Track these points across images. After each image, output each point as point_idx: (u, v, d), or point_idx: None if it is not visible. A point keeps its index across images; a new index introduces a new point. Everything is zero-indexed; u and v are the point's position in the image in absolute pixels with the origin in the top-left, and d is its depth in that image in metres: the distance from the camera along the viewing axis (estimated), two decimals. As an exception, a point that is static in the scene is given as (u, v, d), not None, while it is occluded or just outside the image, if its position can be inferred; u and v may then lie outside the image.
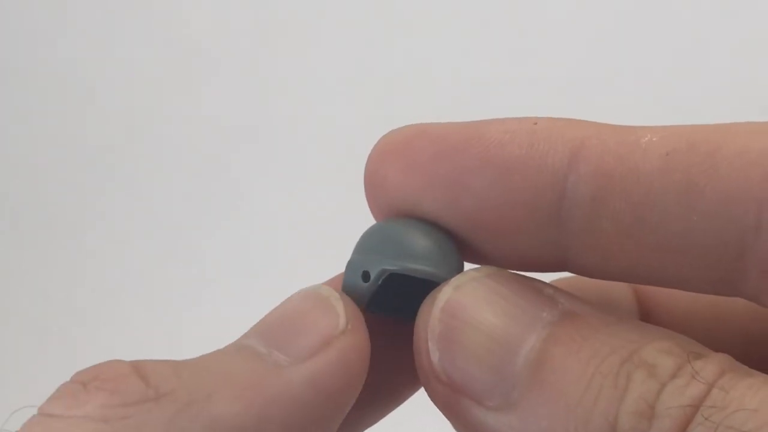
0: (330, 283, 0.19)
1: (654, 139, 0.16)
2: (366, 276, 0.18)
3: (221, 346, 0.18)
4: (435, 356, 0.17)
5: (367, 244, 0.19)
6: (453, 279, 0.18)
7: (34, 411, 0.16)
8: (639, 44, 0.56)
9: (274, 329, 0.17)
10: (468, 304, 0.17)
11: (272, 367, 0.16)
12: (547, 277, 0.18)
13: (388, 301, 0.19)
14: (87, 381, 0.16)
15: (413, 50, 0.60)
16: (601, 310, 0.17)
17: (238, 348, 0.17)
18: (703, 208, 0.16)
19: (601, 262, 0.17)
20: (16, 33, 0.67)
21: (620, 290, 0.21)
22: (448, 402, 0.17)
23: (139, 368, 0.16)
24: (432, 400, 0.17)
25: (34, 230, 0.64)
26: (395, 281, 0.19)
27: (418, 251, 0.18)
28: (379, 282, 0.18)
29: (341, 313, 0.17)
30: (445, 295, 0.17)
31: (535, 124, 0.17)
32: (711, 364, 0.15)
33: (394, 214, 0.18)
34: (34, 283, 0.63)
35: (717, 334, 0.20)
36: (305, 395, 0.16)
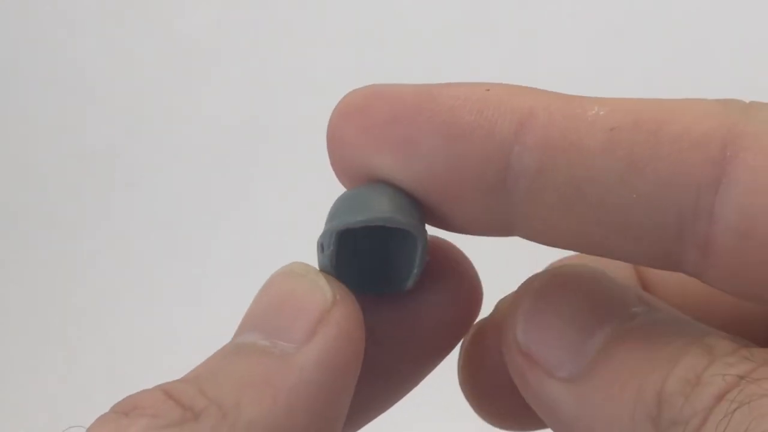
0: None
1: (601, 112, 0.16)
2: (321, 247, 0.18)
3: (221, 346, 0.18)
4: (520, 329, 0.18)
5: (328, 216, 0.19)
6: (550, 267, 0.19)
7: (82, 430, 0.16)
8: (638, 44, 0.56)
9: (268, 318, 0.17)
10: (558, 289, 0.18)
11: (281, 358, 0.17)
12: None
13: (360, 272, 0.19)
14: (127, 410, 0.16)
15: (413, 50, 0.60)
16: (677, 320, 0.18)
17: (238, 348, 0.17)
18: (643, 189, 0.16)
19: (545, 230, 0.17)
20: (16, 33, 0.67)
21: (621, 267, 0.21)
22: (523, 372, 0.18)
23: (169, 393, 0.16)
24: (510, 369, 0.18)
25: (34, 230, 0.64)
26: (352, 242, 0.18)
27: (371, 206, 0.18)
28: (332, 247, 0.18)
29: (324, 286, 0.18)
30: (541, 277, 0.18)
31: (488, 90, 0.17)
32: (764, 352, 0.15)
33: (353, 175, 0.19)
34: (35, 283, 0.63)
35: (710, 316, 0.20)
36: (319, 376, 0.16)
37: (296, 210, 0.58)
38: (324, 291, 0.17)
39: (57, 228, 0.64)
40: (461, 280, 0.20)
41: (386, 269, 0.19)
